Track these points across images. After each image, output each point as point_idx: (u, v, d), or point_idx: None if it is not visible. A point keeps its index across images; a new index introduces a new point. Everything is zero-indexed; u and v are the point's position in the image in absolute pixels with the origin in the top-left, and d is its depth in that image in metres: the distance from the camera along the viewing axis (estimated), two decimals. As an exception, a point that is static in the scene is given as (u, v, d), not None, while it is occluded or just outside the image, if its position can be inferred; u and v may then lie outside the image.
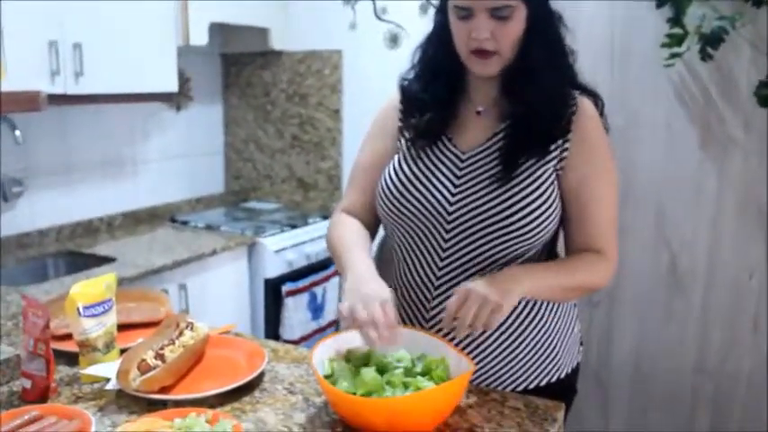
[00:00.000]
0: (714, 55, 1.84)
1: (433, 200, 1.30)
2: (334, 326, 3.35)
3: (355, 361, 1.22)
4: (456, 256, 1.29)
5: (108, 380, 1.25)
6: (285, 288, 2.98)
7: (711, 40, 1.82)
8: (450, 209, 1.29)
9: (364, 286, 1.19)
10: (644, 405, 2.04)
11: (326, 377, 1.17)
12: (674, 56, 1.87)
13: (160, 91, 2.85)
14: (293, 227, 3.12)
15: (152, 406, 1.20)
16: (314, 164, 3.44)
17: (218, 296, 2.76)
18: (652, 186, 2.00)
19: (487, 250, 1.28)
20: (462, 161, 1.31)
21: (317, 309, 3.19)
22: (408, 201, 1.32)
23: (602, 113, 1.34)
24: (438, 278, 1.32)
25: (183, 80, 3.25)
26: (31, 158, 2.69)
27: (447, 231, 1.29)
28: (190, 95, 3.40)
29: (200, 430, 1.06)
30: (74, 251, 2.71)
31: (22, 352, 1.24)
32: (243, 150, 3.64)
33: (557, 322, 1.36)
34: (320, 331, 3.23)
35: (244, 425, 1.14)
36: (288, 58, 3.41)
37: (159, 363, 1.24)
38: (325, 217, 3.34)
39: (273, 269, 2.94)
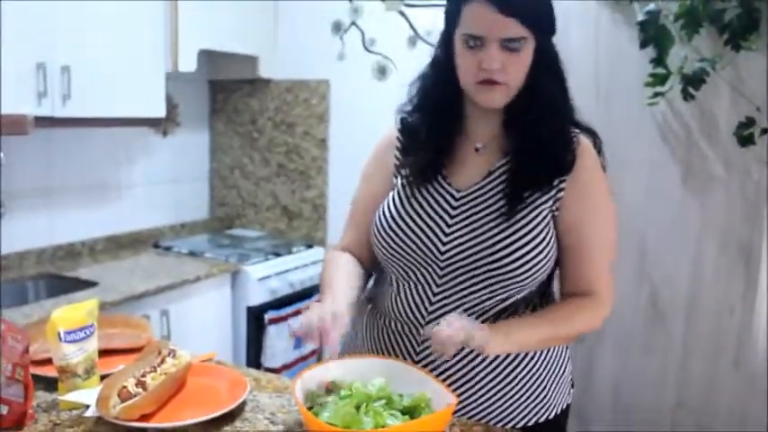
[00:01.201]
0: (696, 95, 1.88)
1: (425, 239, 1.30)
2: (317, 355, 3.32)
3: (337, 392, 1.21)
4: (449, 293, 1.30)
5: (87, 407, 1.23)
6: (268, 316, 2.96)
7: (693, 81, 1.87)
8: (443, 248, 1.29)
9: (324, 302, 1.22)
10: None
11: (309, 408, 1.16)
12: (657, 95, 1.91)
13: (147, 116, 2.85)
14: (277, 255, 3.11)
15: (132, 434, 1.18)
16: (299, 192, 3.44)
17: (201, 323, 2.74)
18: (634, 221, 2.02)
19: (481, 288, 1.28)
20: (456, 200, 1.30)
21: (299, 338, 3.16)
22: (401, 239, 1.32)
23: (599, 151, 1.34)
24: (429, 313, 1.31)
25: (171, 106, 3.25)
26: (14, 180, 2.67)
27: (440, 269, 1.29)
28: (177, 121, 3.40)
29: (180, 460, 1.05)
30: (55, 274, 2.68)
31: (0, 377, 1.22)
32: (228, 177, 3.64)
33: (549, 362, 1.35)
34: (302, 360, 3.20)
35: (225, 455, 1.12)
36: (275, 86, 3.44)
37: (140, 390, 1.22)
38: (310, 246, 3.34)
39: (257, 297, 2.93)
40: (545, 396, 1.35)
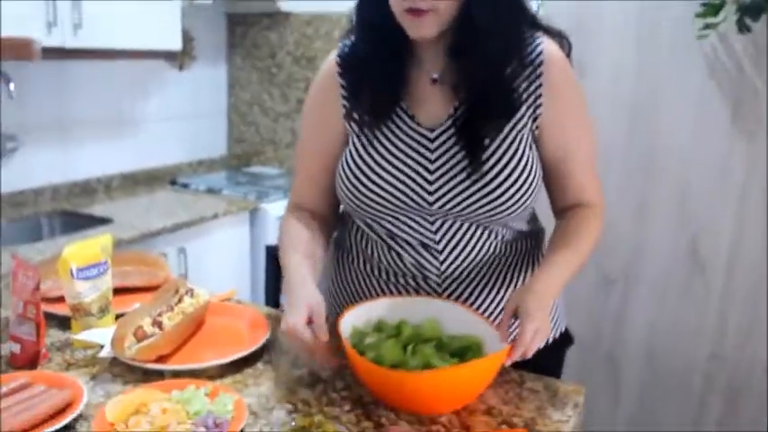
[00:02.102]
0: (752, 27, 1.73)
1: (408, 190, 1.18)
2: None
3: (387, 331, 1.15)
4: (450, 242, 1.21)
5: (102, 347, 1.17)
6: (287, 256, 2.90)
7: (751, 10, 1.72)
8: (431, 198, 1.18)
9: (292, 295, 1.12)
10: (654, 387, 1.97)
11: (353, 346, 1.10)
12: (708, 26, 1.77)
13: (163, 48, 2.74)
14: (297, 193, 3.02)
15: (148, 376, 1.13)
16: (319, 129, 3.33)
17: (219, 261, 2.69)
18: (677, 164, 1.90)
19: (479, 228, 1.21)
20: (432, 140, 1.17)
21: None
22: (378, 195, 1.19)
23: (568, 54, 1.21)
24: (441, 263, 1.23)
25: (187, 39, 3.13)
26: (27, 114, 2.59)
27: (430, 219, 1.20)
28: (193, 55, 3.28)
29: (199, 406, 0.99)
30: (69, 211, 2.63)
31: (11, 314, 1.17)
32: (246, 113, 3.53)
33: None
34: (321, 301, 3.16)
35: (246, 399, 1.06)
36: (295, 19, 3.30)
37: (157, 330, 1.17)
38: (330, 184, 3.26)
39: (275, 235, 2.86)
40: (556, 310, 1.32)
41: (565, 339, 1.36)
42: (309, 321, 1.07)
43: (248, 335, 1.29)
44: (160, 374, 1.13)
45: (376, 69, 1.19)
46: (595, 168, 1.25)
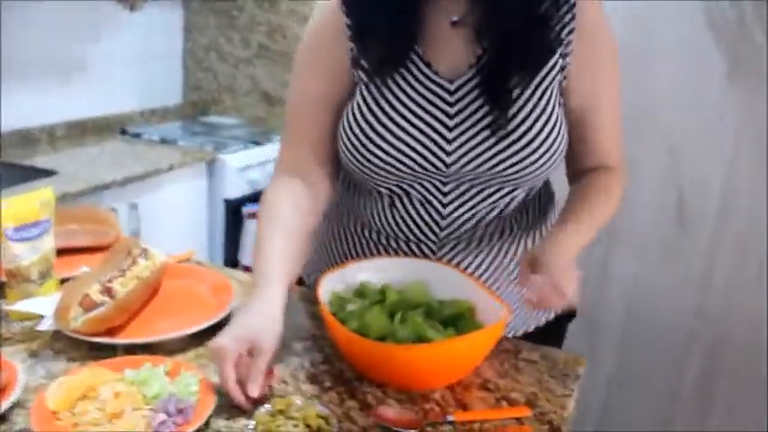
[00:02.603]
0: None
1: (424, 151, 1.03)
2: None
3: (370, 297, 1.03)
4: (458, 204, 1.08)
5: (42, 318, 1.03)
6: (246, 210, 2.75)
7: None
8: (449, 160, 1.04)
9: (246, 313, 0.93)
10: (635, 344, 1.92)
11: (333, 315, 0.98)
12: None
13: (109, -16, 2.50)
14: (257, 144, 2.86)
15: (97, 352, 0.99)
16: (281, 76, 3.14)
17: (174, 217, 2.52)
18: (668, 115, 1.80)
19: (493, 192, 1.08)
20: (451, 93, 1.02)
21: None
22: (390, 154, 1.03)
23: None
24: (442, 230, 1.10)
25: (137, -25, 2.88)
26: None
27: (444, 181, 1.06)
28: (144, -7, 3.03)
29: (158, 387, 0.86)
30: (8, 163, 2.41)
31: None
32: (203, 59, 3.31)
33: None
34: (283, 257, 3.03)
35: (212, 378, 0.93)
36: (255, -44, 3.07)
37: (107, 298, 1.02)
38: (292, 135, 3.09)
39: (235, 189, 2.70)
40: None
41: (568, 312, 1.25)
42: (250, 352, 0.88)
43: (212, 301, 1.15)
44: (111, 350, 0.99)
45: (388, 6, 1.02)
46: (619, 133, 1.13)
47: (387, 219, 1.12)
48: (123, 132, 2.90)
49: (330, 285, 1.03)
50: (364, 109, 1.05)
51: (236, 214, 2.74)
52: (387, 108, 1.03)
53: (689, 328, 1.85)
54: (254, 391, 0.86)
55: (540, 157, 1.03)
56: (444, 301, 1.04)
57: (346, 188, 1.18)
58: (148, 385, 0.86)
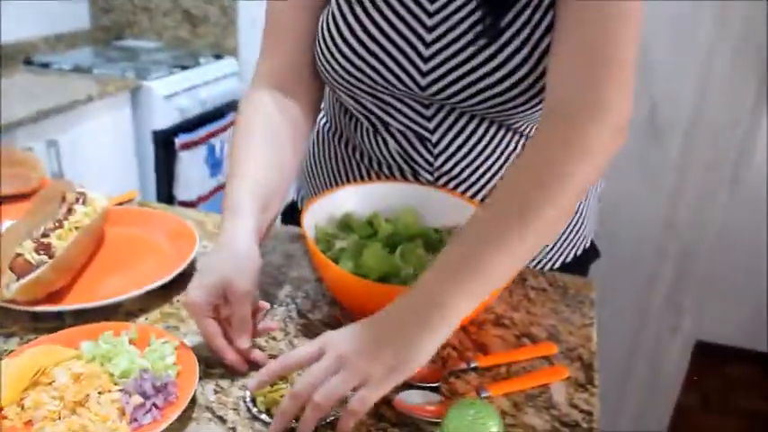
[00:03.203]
0: None
1: (395, 67, 0.87)
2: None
3: (359, 230, 0.89)
4: (450, 135, 0.92)
5: (-35, 287, 0.84)
6: (178, 141, 2.52)
7: None
8: (423, 82, 0.87)
9: (216, 254, 0.77)
10: (604, 257, 1.86)
11: (321, 253, 0.84)
12: None
13: None
14: (183, 68, 2.60)
15: (40, 323, 0.82)
16: (202, -8, 2.85)
17: (99, 154, 2.27)
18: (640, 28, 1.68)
19: (490, 126, 0.91)
20: (430, 15, 0.85)
21: (215, 164, 2.78)
22: (358, 67, 0.88)
23: None
24: (436, 157, 0.94)
25: None
26: None
27: (426, 101, 0.90)
28: None
29: (126, 362, 0.70)
30: None
31: None
32: (109, -25, 2.96)
33: None
34: (220, 189, 2.84)
35: (186, 340, 0.78)
36: None
37: (44, 257, 0.84)
38: (219, 56, 2.84)
39: (163, 119, 2.46)
40: (577, 229, 1.06)
41: (590, 253, 1.10)
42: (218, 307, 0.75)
43: (170, 249, 0.99)
44: (58, 319, 0.82)
45: None
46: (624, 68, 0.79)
47: (376, 145, 0.97)
48: (28, 62, 2.57)
49: (312, 218, 0.88)
50: (338, 15, 0.88)
51: (167, 147, 2.51)
52: (361, 15, 0.87)
53: (659, 241, 1.81)
54: (244, 343, 0.73)
55: (532, 85, 0.82)
56: (441, 230, 0.92)
57: (338, 108, 1.01)
58: (114, 361, 0.71)
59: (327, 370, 0.64)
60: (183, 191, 2.65)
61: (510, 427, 0.68)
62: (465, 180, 0.95)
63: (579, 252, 1.06)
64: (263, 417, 0.67)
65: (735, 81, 1.64)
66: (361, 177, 1.01)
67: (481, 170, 0.94)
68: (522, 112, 0.87)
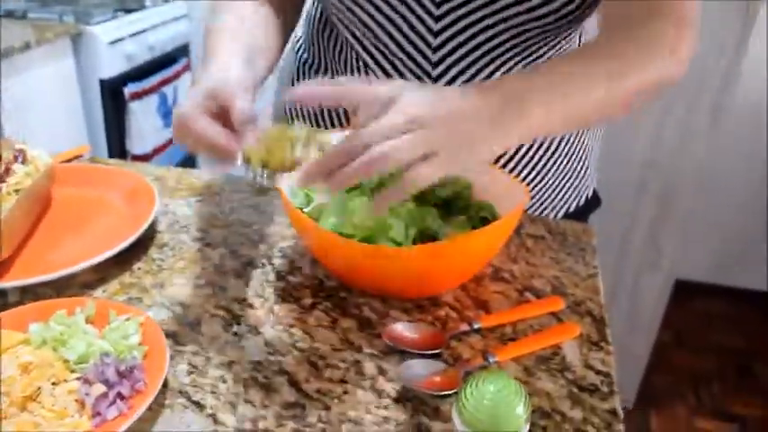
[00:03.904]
0: None
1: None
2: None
3: None
4: (450, 47, 0.80)
5: None
6: (128, 90, 2.36)
7: None
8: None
9: (215, 76, 0.66)
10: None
11: (299, 210, 0.75)
12: None
13: None
14: (128, 11, 2.41)
15: (-19, 303, 0.71)
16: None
17: (41, 108, 2.10)
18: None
19: (501, 44, 0.79)
20: None
21: (168, 113, 2.62)
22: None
23: None
24: (433, 63, 0.82)
25: None
26: None
27: (435, 23, 0.78)
28: None
29: (84, 346, 0.61)
30: None
31: None
32: None
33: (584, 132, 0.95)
34: (176, 141, 2.69)
35: (151, 314, 0.69)
36: None
37: (-21, 227, 0.73)
38: (167, -2, 2.65)
39: (110, 67, 2.29)
40: (587, 169, 0.97)
41: (591, 202, 1.01)
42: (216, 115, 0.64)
43: (126, 209, 0.88)
44: (1, 297, 0.72)
45: None
46: None
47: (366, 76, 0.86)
48: (-46, 8, 2.35)
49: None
50: None
51: (115, 97, 2.35)
52: None
53: (640, 178, 1.75)
54: (251, 138, 0.61)
55: None
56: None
57: (320, 33, 0.90)
58: (68, 344, 0.61)
59: (396, 127, 0.55)
60: (136, 144, 2.50)
61: (523, 394, 0.61)
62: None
63: (582, 201, 0.99)
64: (262, 173, 0.59)
65: (717, 20, 1.56)
66: (347, 121, 0.91)
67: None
68: (564, 18, 0.76)
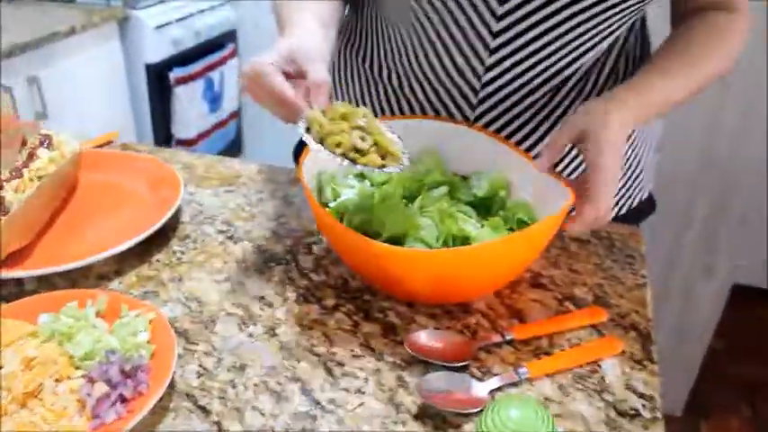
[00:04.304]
0: None
1: None
2: (237, 118, 2.81)
3: (372, 176, 0.76)
4: (507, 48, 0.74)
5: None
6: (173, 75, 2.36)
7: None
8: None
9: (297, 40, 0.66)
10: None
11: (324, 205, 0.71)
12: None
13: None
14: (175, -4, 2.41)
15: (-6, 291, 0.69)
16: None
17: (86, 91, 2.11)
18: None
19: (564, 34, 0.72)
20: None
21: (214, 98, 2.62)
22: None
23: None
24: (483, 84, 0.77)
25: None
26: None
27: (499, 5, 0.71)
28: None
29: (89, 343, 0.58)
30: None
31: None
32: None
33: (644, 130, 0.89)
34: (221, 126, 2.70)
35: (164, 311, 0.66)
36: None
37: (-3, 213, 0.71)
38: (216, -18, 2.63)
39: (156, 51, 2.28)
40: (635, 177, 0.90)
41: (645, 206, 0.94)
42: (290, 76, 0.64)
43: (150, 198, 0.86)
44: (16, 286, 0.70)
45: None
46: None
47: (406, 61, 0.81)
48: (6, -8, 2.38)
49: (316, 162, 0.74)
50: None
51: (161, 81, 2.35)
52: None
53: (695, 177, 1.65)
54: (317, 74, 0.62)
55: None
56: (468, 177, 0.78)
57: (367, 15, 0.85)
58: (75, 339, 0.59)
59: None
60: (180, 129, 2.50)
61: (555, 417, 0.56)
62: (509, 106, 0.79)
63: (635, 203, 0.92)
64: (316, 146, 0.60)
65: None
66: (385, 106, 0.86)
67: (534, 94, 0.78)
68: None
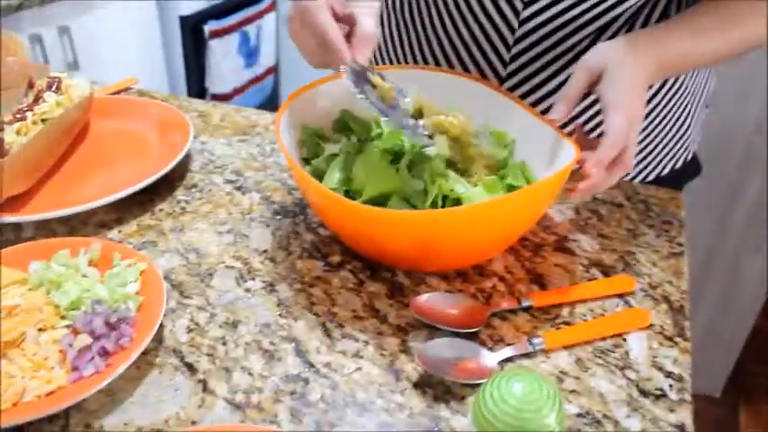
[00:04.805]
0: None
1: None
2: (274, 73, 2.77)
3: (360, 130, 0.70)
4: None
5: None
6: (208, 28, 2.32)
7: None
8: None
9: None
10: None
11: (306, 162, 0.66)
12: None
13: None
14: (211, -53, 2.36)
15: (-11, 235, 0.67)
16: None
17: (119, 43, 2.09)
18: None
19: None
20: None
21: (250, 53, 2.58)
22: None
23: None
24: (521, 21, 0.71)
25: None
26: None
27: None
28: None
29: (76, 292, 0.55)
30: None
31: None
32: None
33: (692, 85, 0.81)
34: (257, 81, 2.66)
35: (161, 262, 0.63)
36: None
37: (-4, 154, 0.68)
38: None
39: (190, 3, 2.25)
40: (681, 135, 0.83)
41: (689, 167, 0.87)
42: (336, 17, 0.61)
43: (158, 145, 0.82)
44: (15, 231, 0.67)
45: None
46: None
47: (438, 20, 0.76)
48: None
49: (295, 117, 0.68)
50: None
51: (195, 34, 2.31)
52: None
53: (747, 145, 1.55)
54: (364, 60, 0.60)
55: None
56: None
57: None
58: (63, 288, 0.56)
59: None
60: (215, 83, 2.47)
61: (569, 393, 0.51)
62: (543, 68, 0.73)
63: (679, 165, 0.84)
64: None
65: None
66: (413, 57, 0.80)
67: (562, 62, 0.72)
68: None
